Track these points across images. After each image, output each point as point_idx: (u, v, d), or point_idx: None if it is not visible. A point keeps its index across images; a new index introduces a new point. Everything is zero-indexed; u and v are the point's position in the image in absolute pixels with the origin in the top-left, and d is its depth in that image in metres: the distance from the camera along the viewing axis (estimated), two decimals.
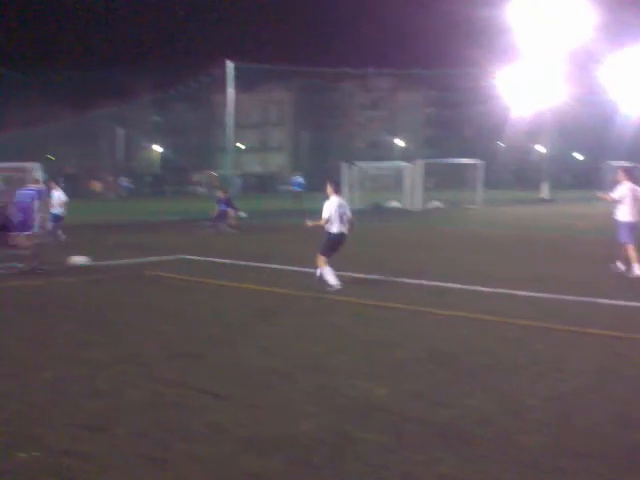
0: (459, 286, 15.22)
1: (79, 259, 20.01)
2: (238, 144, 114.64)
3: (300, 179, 55.20)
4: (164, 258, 20.97)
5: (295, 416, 7.23)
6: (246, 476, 5.93)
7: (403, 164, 54.65)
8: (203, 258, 20.88)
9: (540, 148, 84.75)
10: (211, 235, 29.11)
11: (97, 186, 76.61)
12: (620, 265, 17.29)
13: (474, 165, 53.64)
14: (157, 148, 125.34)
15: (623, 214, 17.37)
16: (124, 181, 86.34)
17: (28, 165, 33.41)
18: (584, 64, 64.94)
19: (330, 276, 15.26)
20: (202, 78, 65.15)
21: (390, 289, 15.21)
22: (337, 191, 15.90)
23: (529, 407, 7.41)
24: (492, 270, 17.91)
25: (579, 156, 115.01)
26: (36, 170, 32.45)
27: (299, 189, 54.13)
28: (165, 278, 17.17)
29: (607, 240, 23.63)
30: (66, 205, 27.64)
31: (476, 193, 51.24)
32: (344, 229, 15.78)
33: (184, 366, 9.17)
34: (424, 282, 15.78)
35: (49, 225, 22.86)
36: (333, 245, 15.82)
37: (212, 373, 8.84)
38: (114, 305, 13.70)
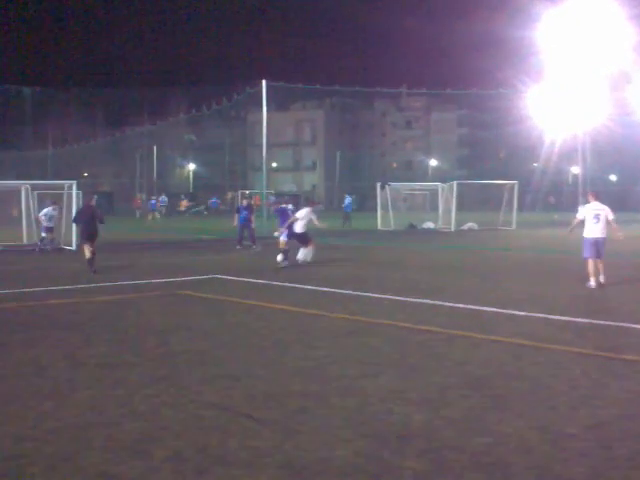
0: (494, 309, 15.14)
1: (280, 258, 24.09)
2: (272, 163, 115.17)
3: (350, 199, 55.42)
4: (199, 278, 21.06)
5: (332, 441, 7.21)
6: None
7: (437, 184, 54.57)
8: (237, 278, 20.95)
9: (575, 170, 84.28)
10: (251, 254, 29.29)
11: (183, 204, 78.25)
12: (592, 282, 18.80)
13: (508, 186, 53.38)
14: (191, 166, 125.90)
15: (586, 231, 19.37)
16: (163, 199, 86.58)
17: (65, 183, 33.76)
18: (619, 85, 64.61)
19: (280, 256, 24.15)
20: (236, 97, 65.47)
21: (425, 312, 15.16)
22: (311, 205, 26.52)
23: (568, 435, 7.33)
24: (527, 294, 17.80)
25: (613, 178, 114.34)
26: (72, 188, 32.80)
27: (349, 210, 54.34)
28: (200, 298, 17.23)
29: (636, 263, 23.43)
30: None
31: (510, 215, 50.97)
32: (305, 229, 25.05)
33: (221, 388, 9.18)
34: (459, 305, 15.72)
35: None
36: (298, 237, 25.09)
37: (249, 395, 8.84)
38: (150, 325, 13.76)
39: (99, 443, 7.19)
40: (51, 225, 31.89)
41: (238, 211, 32.85)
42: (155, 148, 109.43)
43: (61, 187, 34.23)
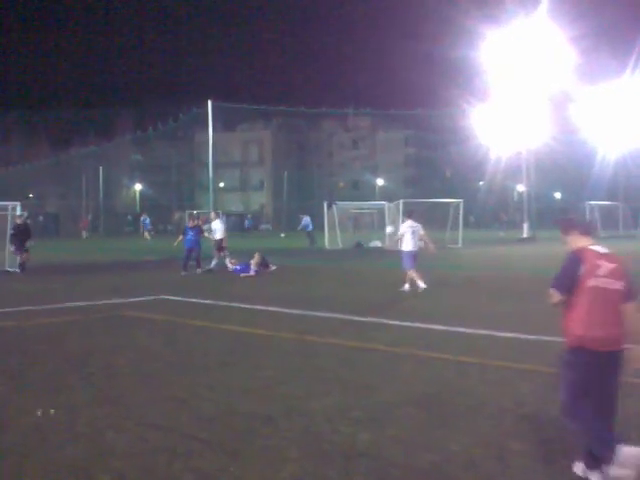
0: (441, 327, 15.20)
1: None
2: (219, 183, 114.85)
3: (308, 219, 55.07)
4: (144, 299, 20.90)
5: (278, 462, 7.18)
6: None
7: (383, 203, 54.80)
8: (184, 299, 20.82)
9: (520, 187, 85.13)
10: (196, 275, 28.95)
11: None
12: (406, 287, 22.20)
13: (454, 204, 53.79)
14: (137, 186, 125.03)
15: (405, 245, 22.42)
16: (146, 219, 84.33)
17: (8, 204, 33.25)
18: (561, 104, 65.53)
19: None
20: (182, 117, 65.31)
21: (372, 330, 15.17)
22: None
23: (514, 452, 7.36)
24: (473, 311, 17.90)
25: (558, 195, 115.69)
26: (16, 209, 32.39)
27: (310, 229, 54.21)
28: (145, 319, 17.09)
29: None
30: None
31: (457, 232, 51.30)
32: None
33: (167, 410, 9.10)
34: (406, 323, 15.76)
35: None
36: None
37: (195, 417, 8.78)
38: (95, 346, 13.59)
39: (43, 467, 7.09)
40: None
41: (184, 233, 31.30)
42: (101, 169, 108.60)
43: (5, 208, 33.65)
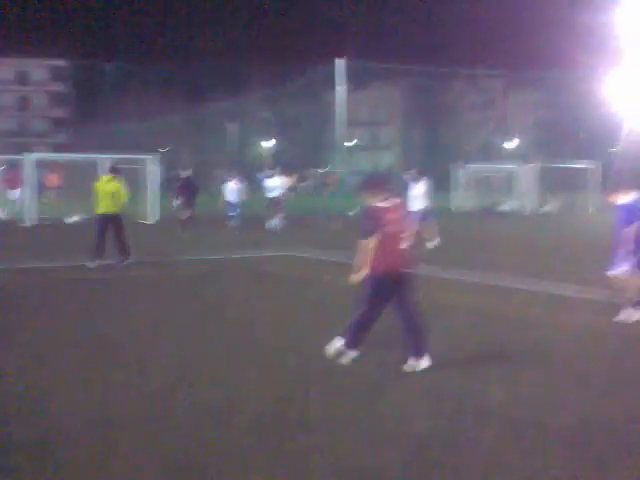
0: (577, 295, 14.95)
1: None
2: (348, 142, 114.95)
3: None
4: (276, 254, 21.16)
5: (410, 416, 7.26)
6: (361, 470, 5.98)
7: (516, 166, 53.76)
8: (316, 256, 20.88)
9: None
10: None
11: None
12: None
13: (590, 169, 52.22)
14: (269, 143, 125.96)
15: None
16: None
17: (145, 157, 33.91)
18: None
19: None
20: (312, 75, 65.46)
21: (508, 294, 15.04)
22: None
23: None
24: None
25: None
26: (152, 162, 33.07)
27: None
28: (275, 274, 17.39)
29: None
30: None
31: (591, 198, 49.64)
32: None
33: (294, 360, 9.29)
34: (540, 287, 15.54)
35: None
36: None
37: (322, 370, 8.90)
38: (229, 298, 13.98)
39: (186, 409, 7.37)
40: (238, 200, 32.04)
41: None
42: (234, 125, 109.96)
43: (140, 161, 34.12)
